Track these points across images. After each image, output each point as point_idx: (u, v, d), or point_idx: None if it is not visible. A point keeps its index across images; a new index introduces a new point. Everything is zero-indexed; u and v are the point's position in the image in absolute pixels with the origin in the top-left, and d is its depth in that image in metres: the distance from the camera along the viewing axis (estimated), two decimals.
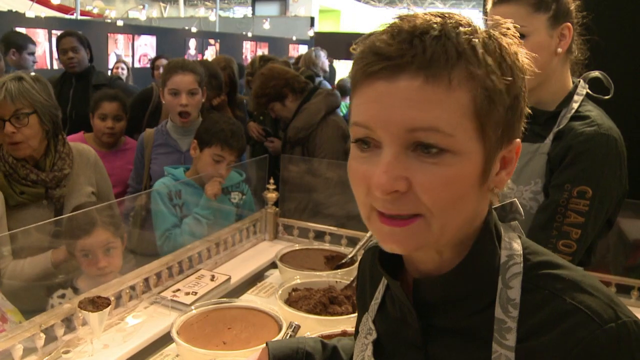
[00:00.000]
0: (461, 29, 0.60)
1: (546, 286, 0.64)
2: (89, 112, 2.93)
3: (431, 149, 0.60)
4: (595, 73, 1.48)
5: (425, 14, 0.63)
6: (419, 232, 0.62)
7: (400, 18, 0.63)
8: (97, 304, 1.35)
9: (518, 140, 0.66)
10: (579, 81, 1.47)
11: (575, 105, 1.42)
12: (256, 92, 2.86)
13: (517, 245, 0.68)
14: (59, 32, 3.74)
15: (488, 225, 0.68)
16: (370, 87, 0.61)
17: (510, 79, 0.61)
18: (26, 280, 1.71)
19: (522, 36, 1.37)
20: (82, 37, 3.49)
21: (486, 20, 0.69)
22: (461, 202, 0.62)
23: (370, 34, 0.64)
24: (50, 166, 1.90)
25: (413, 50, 0.59)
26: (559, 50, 1.40)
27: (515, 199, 0.74)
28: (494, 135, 0.62)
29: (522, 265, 0.66)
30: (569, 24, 1.40)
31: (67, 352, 1.37)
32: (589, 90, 1.46)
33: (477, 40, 0.60)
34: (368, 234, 1.77)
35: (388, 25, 0.63)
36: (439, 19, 0.61)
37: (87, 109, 3.20)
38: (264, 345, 1.01)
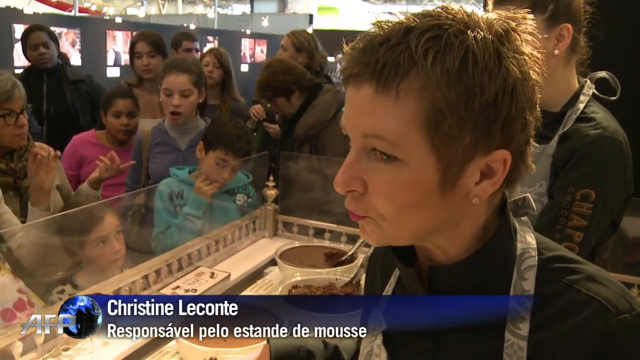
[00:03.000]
0: (428, 34, 0.59)
1: (561, 278, 0.65)
2: (68, 107, 2.91)
3: (382, 155, 0.62)
4: (602, 73, 1.45)
5: (408, 16, 0.63)
6: (372, 230, 0.66)
7: (376, 24, 0.63)
8: None
9: (504, 151, 0.63)
10: (586, 81, 1.44)
11: (581, 106, 1.39)
12: (262, 83, 2.77)
13: (531, 239, 0.70)
14: (57, 29, 3.70)
15: (507, 218, 0.69)
16: (347, 91, 0.65)
17: (462, 88, 0.58)
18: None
19: None
20: (51, 32, 3.41)
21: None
22: (414, 209, 0.63)
23: (356, 39, 0.65)
24: (19, 157, 1.98)
25: (367, 60, 0.60)
26: (556, 52, 1.37)
27: (528, 194, 0.75)
28: (449, 147, 0.60)
29: (536, 258, 0.67)
30: (567, 25, 1.37)
31: (66, 349, 1.37)
32: (595, 91, 1.44)
33: (436, 48, 0.58)
34: None
35: (369, 28, 0.64)
36: (416, 22, 0.60)
37: (65, 104, 3.17)
38: (265, 342, 1.01)
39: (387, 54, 0.59)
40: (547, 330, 0.63)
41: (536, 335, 0.63)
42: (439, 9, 0.63)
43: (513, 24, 0.64)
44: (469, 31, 0.60)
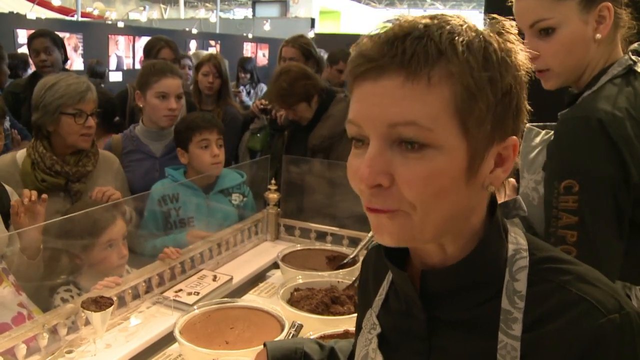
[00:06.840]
0: (446, 28, 0.62)
1: (552, 278, 0.66)
2: None
3: (414, 144, 0.61)
4: (634, 45, 1.31)
5: (417, 16, 0.65)
6: (402, 223, 0.64)
7: (390, 22, 0.65)
8: (100, 303, 1.36)
9: (514, 137, 0.67)
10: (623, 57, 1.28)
11: (596, 87, 1.24)
12: (283, 90, 2.63)
13: (523, 240, 0.70)
14: (60, 34, 3.66)
15: (497, 219, 0.70)
16: (359, 87, 0.65)
17: (489, 74, 0.62)
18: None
19: (551, 30, 1.20)
20: (56, 37, 3.34)
21: (486, 20, 0.69)
22: (444, 196, 0.63)
23: (362, 39, 0.66)
24: (76, 162, 2.02)
25: (394, 51, 0.61)
26: (598, 36, 1.22)
27: (519, 196, 0.75)
28: (478, 131, 0.63)
29: (528, 259, 0.68)
30: (606, 3, 1.21)
31: (70, 351, 1.37)
32: (637, 67, 1.26)
33: (460, 39, 0.61)
34: (369, 234, 1.77)
35: (377, 29, 0.65)
36: (426, 20, 0.63)
37: None
38: (262, 346, 1.02)
39: (413, 44, 0.61)
40: (539, 329, 0.63)
41: (528, 334, 0.64)
42: (439, 13, 0.66)
43: (500, 27, 0.67)
44: (480, 28, 0.64)
